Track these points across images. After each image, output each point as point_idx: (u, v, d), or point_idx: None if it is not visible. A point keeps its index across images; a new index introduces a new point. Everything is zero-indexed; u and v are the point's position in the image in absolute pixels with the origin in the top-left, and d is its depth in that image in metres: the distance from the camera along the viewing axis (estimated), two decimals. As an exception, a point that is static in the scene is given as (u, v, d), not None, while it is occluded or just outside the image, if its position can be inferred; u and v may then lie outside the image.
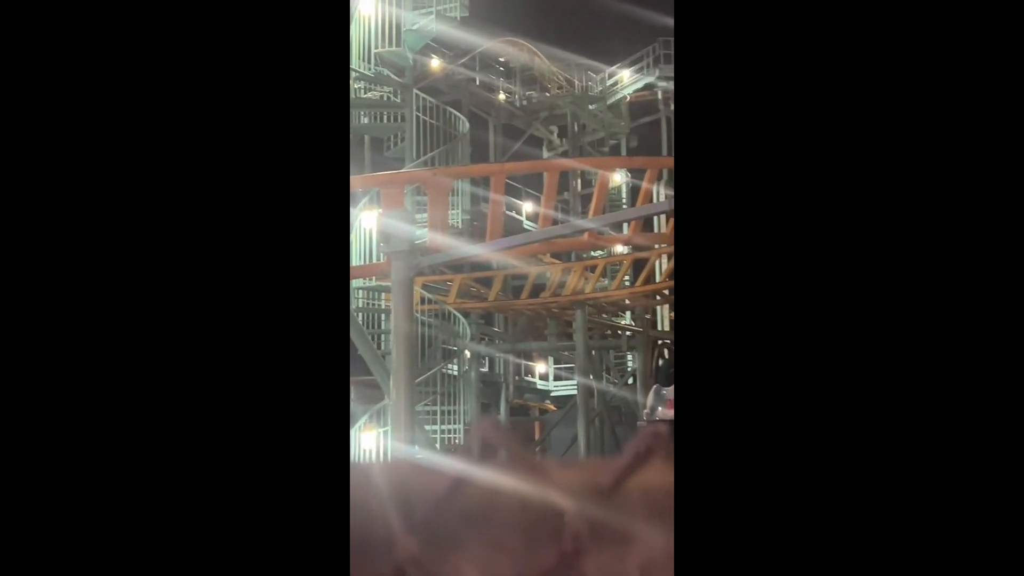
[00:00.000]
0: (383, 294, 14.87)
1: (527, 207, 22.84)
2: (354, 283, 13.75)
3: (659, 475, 0.64)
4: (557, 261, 21.04)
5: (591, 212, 17.41)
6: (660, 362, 18.87)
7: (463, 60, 23.64)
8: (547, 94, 26.55)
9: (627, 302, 22.02)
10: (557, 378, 26.32)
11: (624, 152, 26.62)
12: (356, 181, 11.23)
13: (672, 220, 16.10)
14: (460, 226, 18.56)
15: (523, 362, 24.98)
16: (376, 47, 15.88)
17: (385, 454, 11.54)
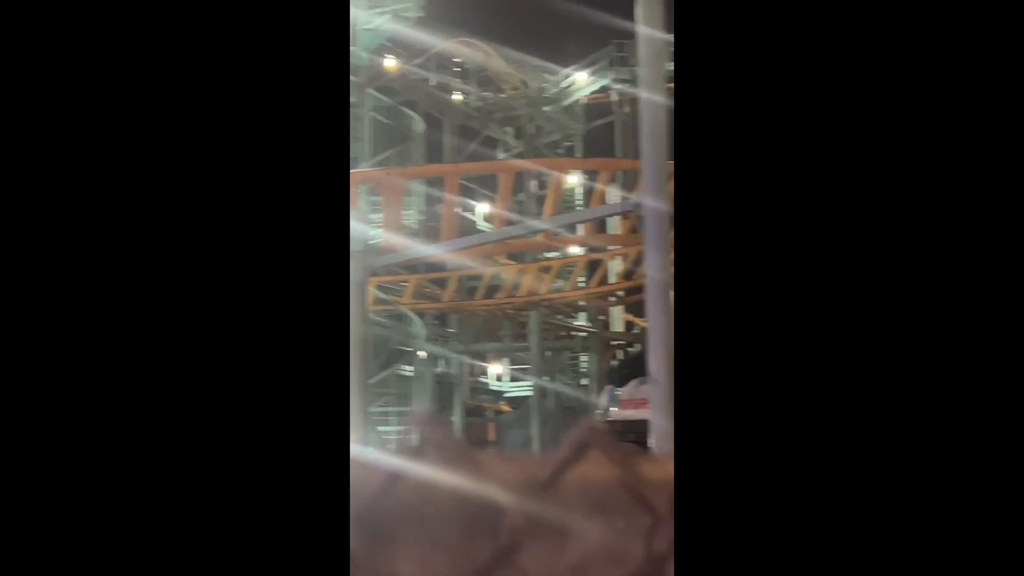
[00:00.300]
0: (337, 295, 14.74)
1: (482, 208, 22.82)
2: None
3: (597, 469, 0.64)
4: (512, 262, 21.06)
5: (545, 213, 17.44)
6: (613, 363, 18.96)
7: (418, 60, 23.56)
8: (502, 95, 26.55)
9: (582, 303, 22.10)
10: (512, 379, 26.32)
11: (579, 154, 26.71)
12: (309, 181, 11.09)
13: (626, 221, 16.18)
14: (414, 226, 18.51)
15: (478, 363, 24.94)
16: (330, 46, 15.74)
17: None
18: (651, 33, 9.03)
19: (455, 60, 25.83)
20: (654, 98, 9.00)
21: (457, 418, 22.67)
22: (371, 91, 16.90)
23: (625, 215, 14.09)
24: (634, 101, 16.25)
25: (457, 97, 25.76)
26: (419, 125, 23.53)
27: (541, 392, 19.82)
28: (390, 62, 21.78)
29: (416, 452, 0.60)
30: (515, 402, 25.20)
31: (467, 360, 23.41)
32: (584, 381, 22.81)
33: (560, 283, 21.11)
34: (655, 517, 0.64)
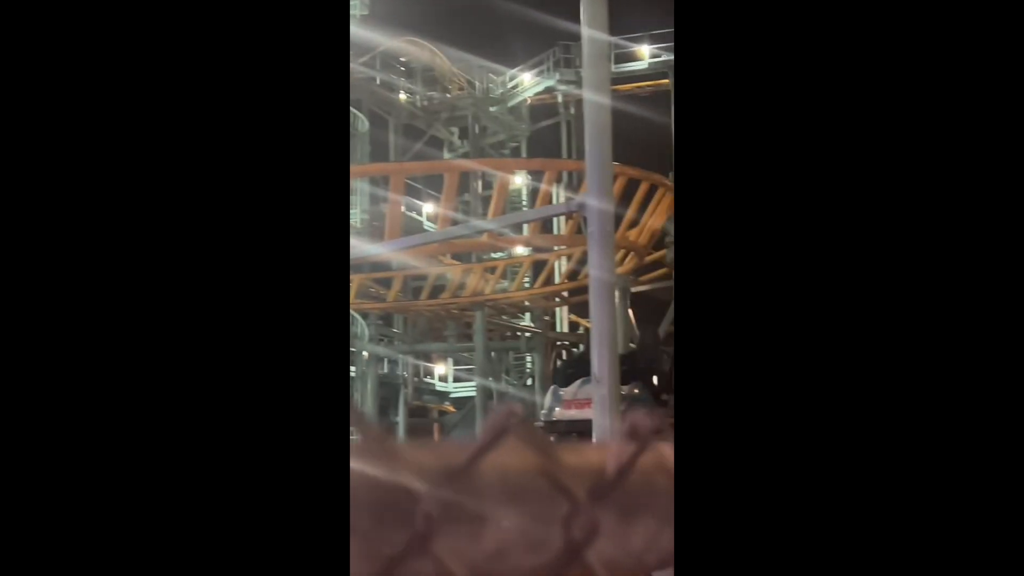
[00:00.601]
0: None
1: (427, 208, 22.76)
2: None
3: (515, 456, 0.64)
4: (457, 262, 21.04)
5: (490, 213, 17.45)
6: (558, 363, 19.03)
7: (363, 59, 23.43)
8: (448, 95, 26.52)
9: (527, 303, 22.15)
10: (456, 379, 26.29)
11: (525, 154, 26.77)
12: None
13: (571, 222, 16.26)
14: (359, 225, 18.40)
15: (422, 363, 24.87)
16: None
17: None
18: (594, 34, 9.09)
19: (401, 59, 25.74)
20: (597, 99, 9.06)
21: (401, 419, 22.58)
22: (315, 89, 16.73)
23: (570, 215, 14.16)
24: (579, 102, 16.32)
25: (403, 96, 25.68)
26: (364, 124, 23.37)
27: (486, 392, 19.82)
28: (335, 60, 21.58)
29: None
30: (460, 403, 25.17)
31: (411, 360, 23.32)
32: (529, 381, 22.86)
33: (505, 283, 21.14)
34: (574, 504, 0.63)
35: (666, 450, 0.72)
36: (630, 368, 13.09)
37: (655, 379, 13.85)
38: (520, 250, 20.33)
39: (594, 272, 8.97)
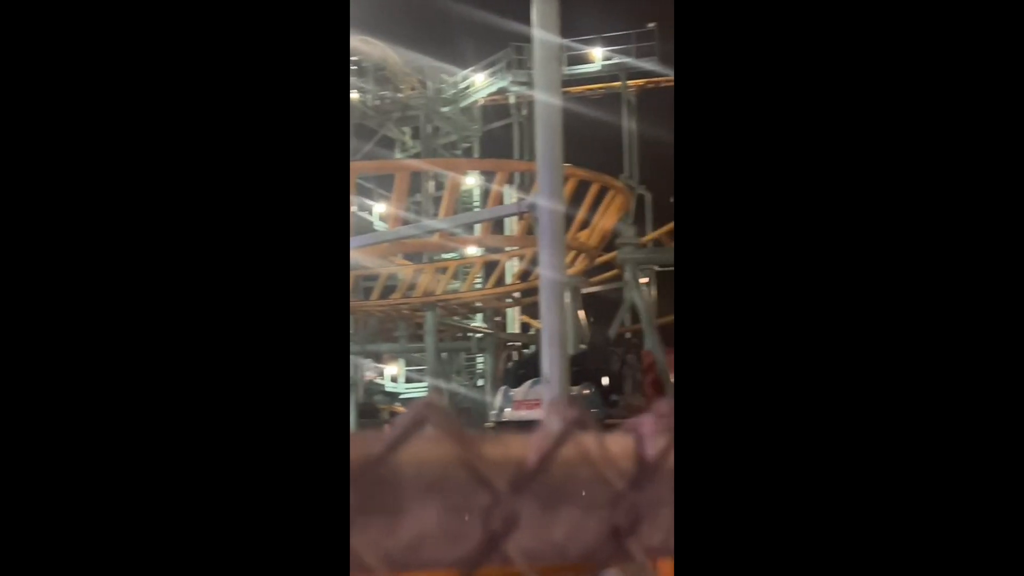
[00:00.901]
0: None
1: (378, 208, 22.65)
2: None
3: (434, 446, 0.63)
4: (408, 262, 20.97)
5: (441, 213, 17.41)
6: (509, 364, 19.05)
7: (315, 57, 23.21)
8: (400, 95, 26.42)
9: (478, 304, 22.15)
10: (407, 380, 26.19)
11: (477, 155, 26.75)
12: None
13: (522, 222, 16.28)
14: (309, 225, 18.21)
15: (373, 363, 24.74)
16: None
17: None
18: (545, 36, 9.13)
19: (353, 58, 25.58)
20: (549, 100, 9.10)
21: (352, 419, 22.43)
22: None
23: (521, 216, 14.18)
24: (532, 103, 16.35)
25: (354, 96, 25.52)
26: (315, 123, 23.18)
27: (436, 393, 19.77)
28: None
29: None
30: (410, 403, 25.04)
31: (362, 360, 23.19)
32: (480, 382, 22.85)
33: (457, 284, 21.12)
34: (493, 495, 0.63)
35: (589, 441, 0.72)
36: (580, 369, 13.15)
37: (605, 380, 13.93)
38: (471, 250, 20.33)
39: (544, 272, 9.00)
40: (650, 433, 0.75)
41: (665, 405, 0.78)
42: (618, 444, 0.75)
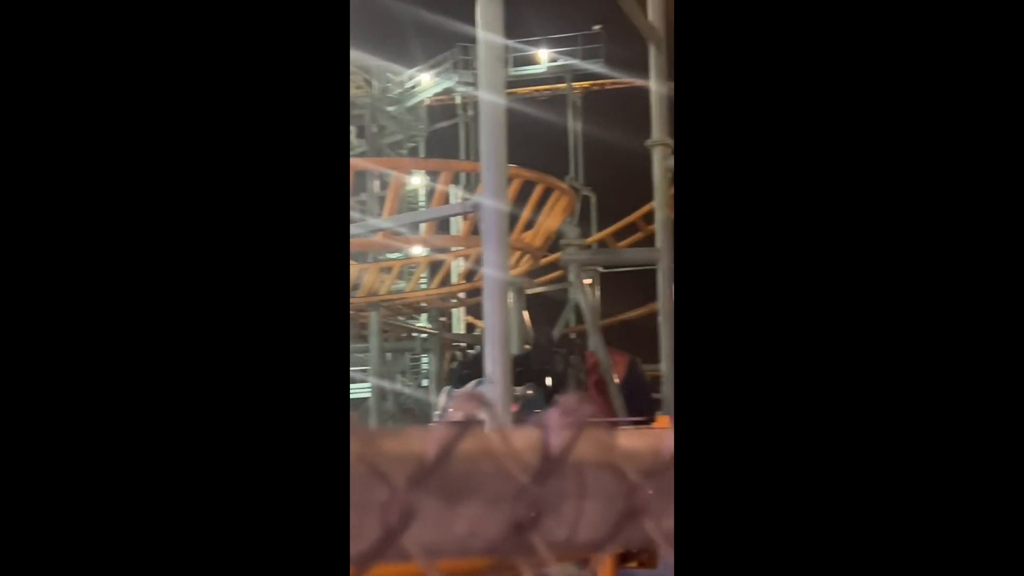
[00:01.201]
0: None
1: (323, 207, 22.42)
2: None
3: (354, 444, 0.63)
4: (352, 262, 20.81)
5: (386, 212, 17.32)
6: (453, 364, 19.02)
7: (259, 54, 22.97)
8: (346, 93, 26.19)
9: (423, 304, 22.07)
10: (351, 380, 26.02)
11: (423, 155, 26.67)
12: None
13: (467, 222, 16.28)
14: (252, 224, 18.00)
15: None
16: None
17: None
18: (490, 37, 9.14)
19: (297, 55, 25.30)
20: (493, 101, 9.10)
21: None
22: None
23: (466, 215, 14.17)
24: (477, 103, 16.35)
25: (299, 93, 25.25)
26: (259, 120, 22.95)
27: (380, 394, 19.68)
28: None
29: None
30: (354, 403, 24.94)
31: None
32: (424, 382, 22.76)
33: (401, 283, 21.02)
34: (391, 491, 0.63)
35: (492, 436, 0.72)
36: (524, 369, 13.16)
37: (548, 380, 13.97)
38: (417, 250, 20.24)
39: (488, 271, 9.00)
40: (555, 427, 0.76)
41: (574, 400, 0.78)
42: (523, 438, 0.75)
